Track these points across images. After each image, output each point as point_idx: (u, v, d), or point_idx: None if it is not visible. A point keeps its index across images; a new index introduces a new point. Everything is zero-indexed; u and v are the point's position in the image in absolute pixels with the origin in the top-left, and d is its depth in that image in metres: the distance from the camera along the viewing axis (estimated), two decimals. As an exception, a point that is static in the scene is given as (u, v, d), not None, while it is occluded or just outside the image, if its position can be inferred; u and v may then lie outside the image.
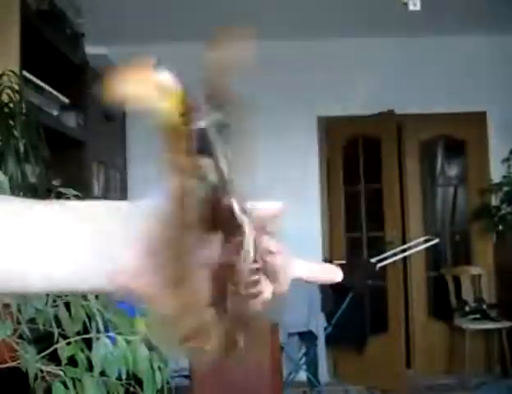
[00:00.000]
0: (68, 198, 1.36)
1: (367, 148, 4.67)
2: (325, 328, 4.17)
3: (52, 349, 1.34)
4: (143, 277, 0.36)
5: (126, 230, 0.37)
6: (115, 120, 4.13)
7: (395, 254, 4.21)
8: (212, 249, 0.36)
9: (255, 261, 0.35)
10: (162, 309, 0.34)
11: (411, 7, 3.45)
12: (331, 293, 4.16)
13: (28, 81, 2.67)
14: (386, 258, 4.15)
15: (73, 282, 0.38)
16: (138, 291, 0.37)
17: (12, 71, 2.18)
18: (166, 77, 0.34)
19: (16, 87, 2.10)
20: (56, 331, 1.32)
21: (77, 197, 1.37)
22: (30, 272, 0.37)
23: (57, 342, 1.33)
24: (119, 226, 0.38)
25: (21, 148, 1.92)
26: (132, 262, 0.36)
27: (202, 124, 0.34)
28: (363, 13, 4.27)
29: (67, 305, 1.33)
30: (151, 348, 1.34)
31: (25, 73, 2.63)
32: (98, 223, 0.38)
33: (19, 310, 1.31)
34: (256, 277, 0.36)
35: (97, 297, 1.33)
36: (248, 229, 0.35)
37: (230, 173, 0.34)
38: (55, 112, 3.15)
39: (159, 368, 1.34)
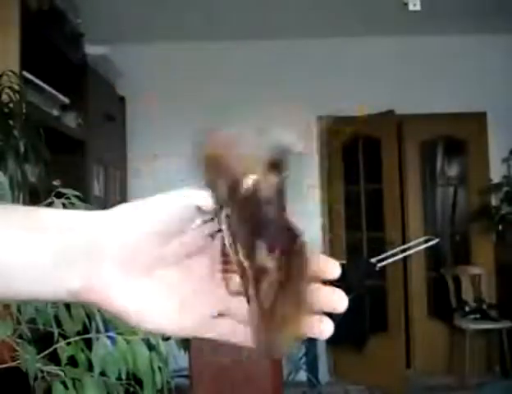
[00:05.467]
0: (68, 198, 1.36)
1: (367, 148, 4.67)
2: (325, 328, 4.16)
3: (52, 349, 1.34)
4: None
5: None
6: (115, 120, 4.13)
7: (395, 254, 4.20)
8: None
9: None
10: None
11: (411, 7, 3.45)
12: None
13: (28, 81, 2.67)
14: (386, 258, 4.15)
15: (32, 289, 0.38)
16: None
17: (12, 71, 2.18)
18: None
19: (16, 87, 2.11)
20: (56, 331, 1.31)
21: (77, 197, 1.37)
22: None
23: (57, 342, 1.33)
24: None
25: (21, 148, 1.92)
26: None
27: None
28: (363, 13, 4.27)
29: (67, 305, 1.33)
30: (151, 348, 1.34)
31: (25, 73, 2.63)
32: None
33: (19, 310, 1.31)
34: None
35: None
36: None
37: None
38: (55, 112, 3.15)
39: (159, 368, 1.34)
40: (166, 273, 0.38)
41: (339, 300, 0.39)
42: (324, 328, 0.38)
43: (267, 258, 0.36)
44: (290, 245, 0.36)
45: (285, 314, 0.36)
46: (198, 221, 0.38)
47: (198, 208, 0.37)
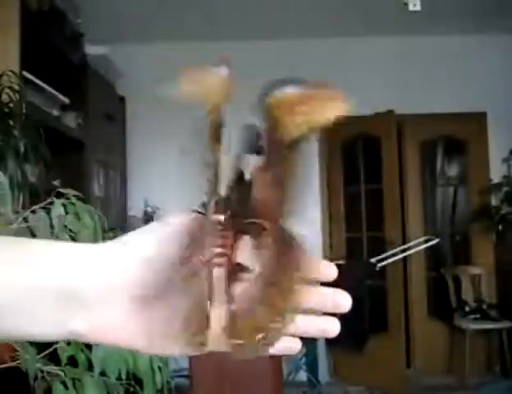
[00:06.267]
0: (68, 198, 1.36)
1: (367, 148, 4.67)
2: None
3: (52, 349, 1.34)
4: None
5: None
6: (115, 120, 4.13)
7: (395, 254, 4.20)
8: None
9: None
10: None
11: (411, 7, 3.45)
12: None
13: (28, 81, 2.67)
14: (386, 258, 4.15)
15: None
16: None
17: (12, 71, 2.18)
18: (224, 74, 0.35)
19: (16, 87, 2.10)
20: (56, 331, 1.31)
21: (77, 197, 1.37)
22: None
23: (57, 342, 1.33)
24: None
25: (21, 148, 1.92)
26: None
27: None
28: (363, 13, 4.27)
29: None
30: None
31: (25, 73, 2.63)
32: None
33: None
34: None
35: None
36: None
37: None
38: (55, 112, 3.15)
39: (159, 368, 1.33)
40: (170, 299, 0.37)
41: (343, 300, 0.39)
42: (331, 328, 0.38)
43: (252, 253, 0.36)
44: (278, 237, 0.36)
45: (266, 312, 0.36)
46: (187, 247, 0.37)
47: (186, 233, 0.37)
